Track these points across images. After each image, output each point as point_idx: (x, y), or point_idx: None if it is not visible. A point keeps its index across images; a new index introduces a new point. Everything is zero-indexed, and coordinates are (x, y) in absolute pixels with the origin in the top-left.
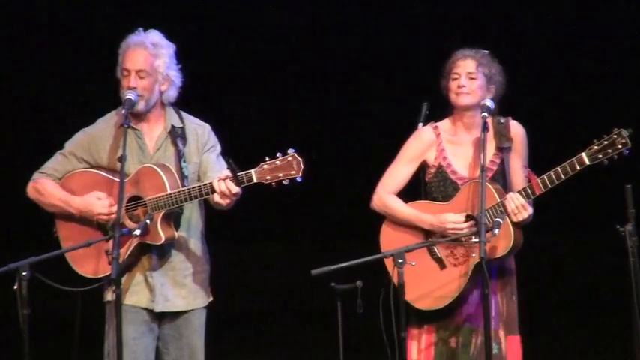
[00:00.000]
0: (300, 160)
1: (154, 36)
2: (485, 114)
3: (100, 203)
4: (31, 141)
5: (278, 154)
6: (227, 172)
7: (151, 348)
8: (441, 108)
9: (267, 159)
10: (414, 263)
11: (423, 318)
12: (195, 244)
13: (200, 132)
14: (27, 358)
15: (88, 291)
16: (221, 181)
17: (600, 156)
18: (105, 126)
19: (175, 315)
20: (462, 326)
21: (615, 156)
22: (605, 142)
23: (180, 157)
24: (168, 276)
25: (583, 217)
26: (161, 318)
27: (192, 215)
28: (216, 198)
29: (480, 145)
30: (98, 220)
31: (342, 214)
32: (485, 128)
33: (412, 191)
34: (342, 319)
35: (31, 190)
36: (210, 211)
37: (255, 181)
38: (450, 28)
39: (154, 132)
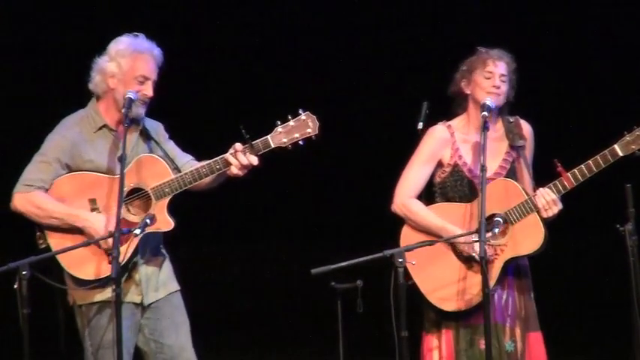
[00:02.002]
0: (315, 117)
1: (155, 46)
2: (486, 113)
3: (104, 230)
4: (30, 140)
5: (289, 116)
6: (240, 145)
7: (132, 342)
8: (441, 108)
9: (278, 122)
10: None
11: (443, 323)
12: (161, 234)
13: (157, 128)
14: (27, 358)
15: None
16: (238, 153)
17: (633, 147)
18: (80, 129)
19: (157, 301)
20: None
21: None
22: (638, 133)
23: (159, 147)
24: (149, 267)
25: (583, 217)
26: (144, 308)
27: None
28: (235, 170)
29: (491, 143)
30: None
31: (342, 214)
32: (485, 128)
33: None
34: (342, 319)
35: (22, 203)
36: (209, 211)
37: (272, 146)
38: (451, 27)
39: (130, 133)
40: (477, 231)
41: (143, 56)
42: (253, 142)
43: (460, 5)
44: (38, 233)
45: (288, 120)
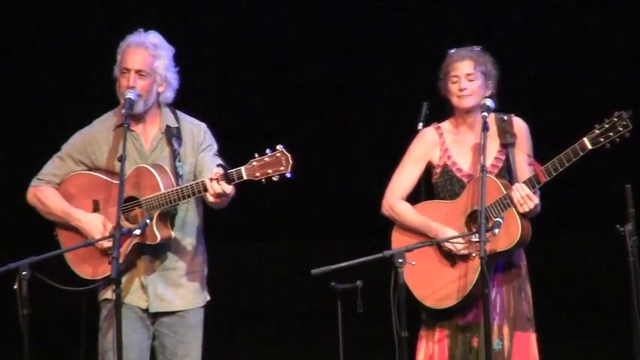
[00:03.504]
0: (289, 155)
1: (155, 37)
2: (485, 114)
3: (99, 231)
4: (31, 141)
5: (267, 151)
6: (218, 171)
7: (145, 346)
8: (441, 108)
9: (256, 155)
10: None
11: (436, 320)
12: (191, 244)
13: (196, 131)
14: (27, 358)
15: (89, 291)
16: (213, 180)
17: (602, 139)
18: (101, 127)
19: (171, 313)
20: (480, 324)
21: (617, 139)
22: (607, 126)
23: (175, 156)
24: (163, 276)
25: (583, 217)
26: (156, 317)
27: (188, 214)
28: (210, 197)
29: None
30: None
31: (341, 214)
32: (485, 128)
33: (415, 195)
34: (342, 319)
35: (31, 196)
36: (209, 211)
37: (245, 177)
38: (450, 27)
39: (149, 133)
40: (477, 231)
41: (128, 49)
42: (228, 172)
43: (460, 4)
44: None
45: (265, 154)
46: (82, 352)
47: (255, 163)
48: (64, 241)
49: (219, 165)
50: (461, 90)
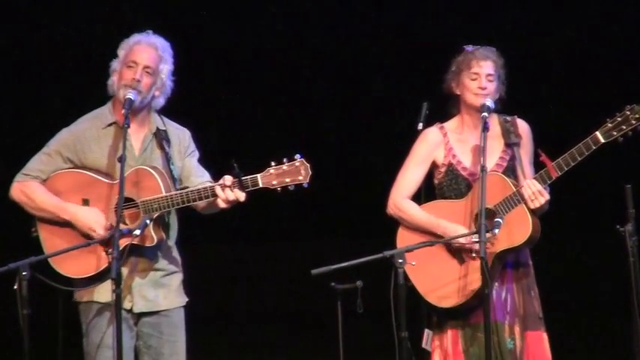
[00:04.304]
0: (308, 165)
1: (164, 41)
2: (485, 114)
3: (100, 223)
4: (30, 140)
5: (284, 159)
6: (230, 178)
7: (129, 346)
8: (441, 108)
9: (273, 164)
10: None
11: (447, 321)
12: (173, 247)
13: (182, 136)
14: (27, 358)
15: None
16: (226, 188)
17: (615, 133)
18: (89, 125)
19: (155, 313)
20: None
21: (630, 132)
22: (619, 119)
23: (167, 159)
24: (148, 277)
25: (583, 217)
26: (140, 317)
27: (171, 216)
28: (221, 204)
29: (487, 142)
30: (90, 234)
31: (342, 214)
32: (485, 128)
33: (415, 198)
34: (342, 319)
35: (16, 192)
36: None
37: (260, 185)
38: (450, 27)
39: (139, 133)
40: (477, 231)
41: (138, 46)
42: (242, 179)
43: (460, 4)
44: (34, 221)
45: (283, 163)
46: (60, 350)
47: (272, 172)
48: (47, 237)
49: (233, 172)
50: (482, 89)
